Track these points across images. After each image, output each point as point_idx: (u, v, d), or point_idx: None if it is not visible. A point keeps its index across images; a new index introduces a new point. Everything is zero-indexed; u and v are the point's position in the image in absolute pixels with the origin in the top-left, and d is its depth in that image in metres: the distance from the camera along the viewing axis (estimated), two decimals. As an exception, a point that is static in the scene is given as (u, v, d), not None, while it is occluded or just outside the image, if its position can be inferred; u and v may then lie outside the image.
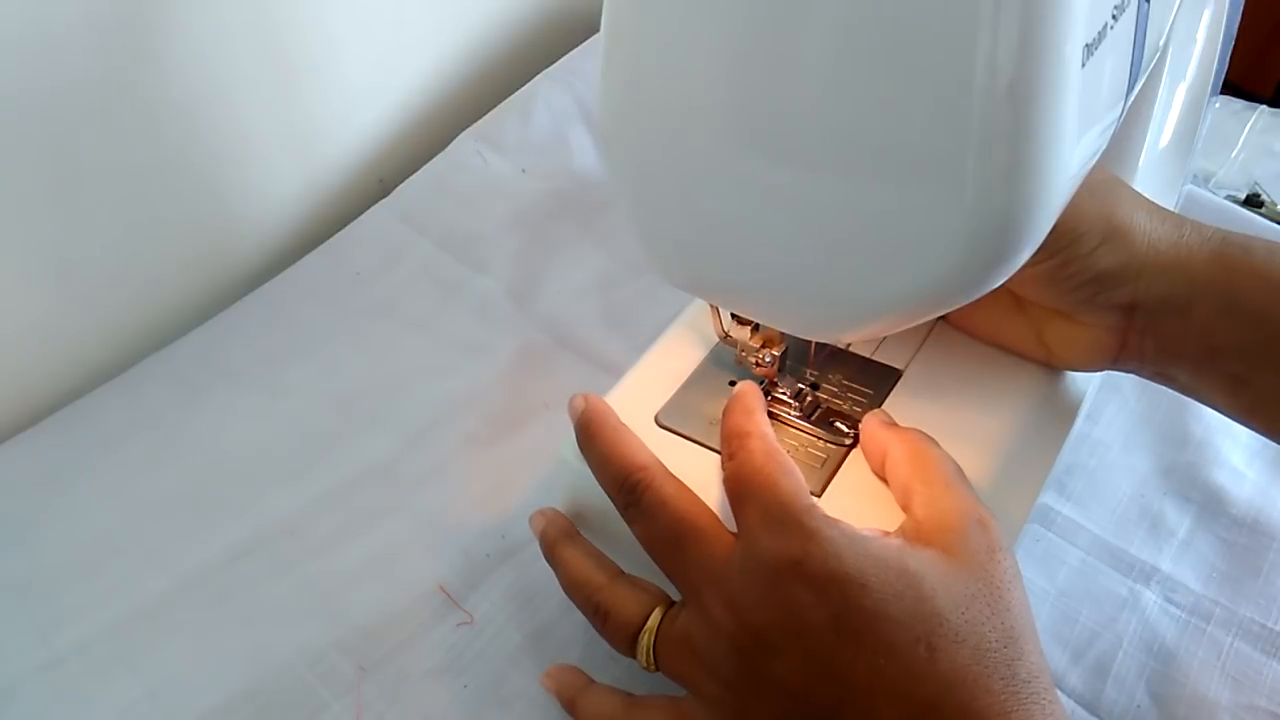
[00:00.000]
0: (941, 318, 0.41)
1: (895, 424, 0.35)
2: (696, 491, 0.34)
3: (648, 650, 0.33)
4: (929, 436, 0.35)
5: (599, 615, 0.34)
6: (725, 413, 0.35)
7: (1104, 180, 0.36)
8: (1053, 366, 0.40)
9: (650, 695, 0.34)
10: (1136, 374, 0.38)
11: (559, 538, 0.37)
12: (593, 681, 0.36)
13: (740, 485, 0.32)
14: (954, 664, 0.28)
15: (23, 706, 0.39)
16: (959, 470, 0.33)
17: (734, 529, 0.32)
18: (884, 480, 0.35)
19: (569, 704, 0.36)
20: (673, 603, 0.33)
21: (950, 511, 0.31)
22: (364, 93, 0.61)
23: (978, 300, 0.38)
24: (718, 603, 0.30)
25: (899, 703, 0.28)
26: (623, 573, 0.35)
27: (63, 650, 0.40)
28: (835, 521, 0.30)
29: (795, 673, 0.29)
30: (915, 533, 0.31)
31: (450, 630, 0.41)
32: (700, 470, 0.35)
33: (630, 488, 0.33)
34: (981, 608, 0.29)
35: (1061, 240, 0.34)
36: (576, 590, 0.35)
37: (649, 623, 0.33)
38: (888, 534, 0.31)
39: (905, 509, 0.33)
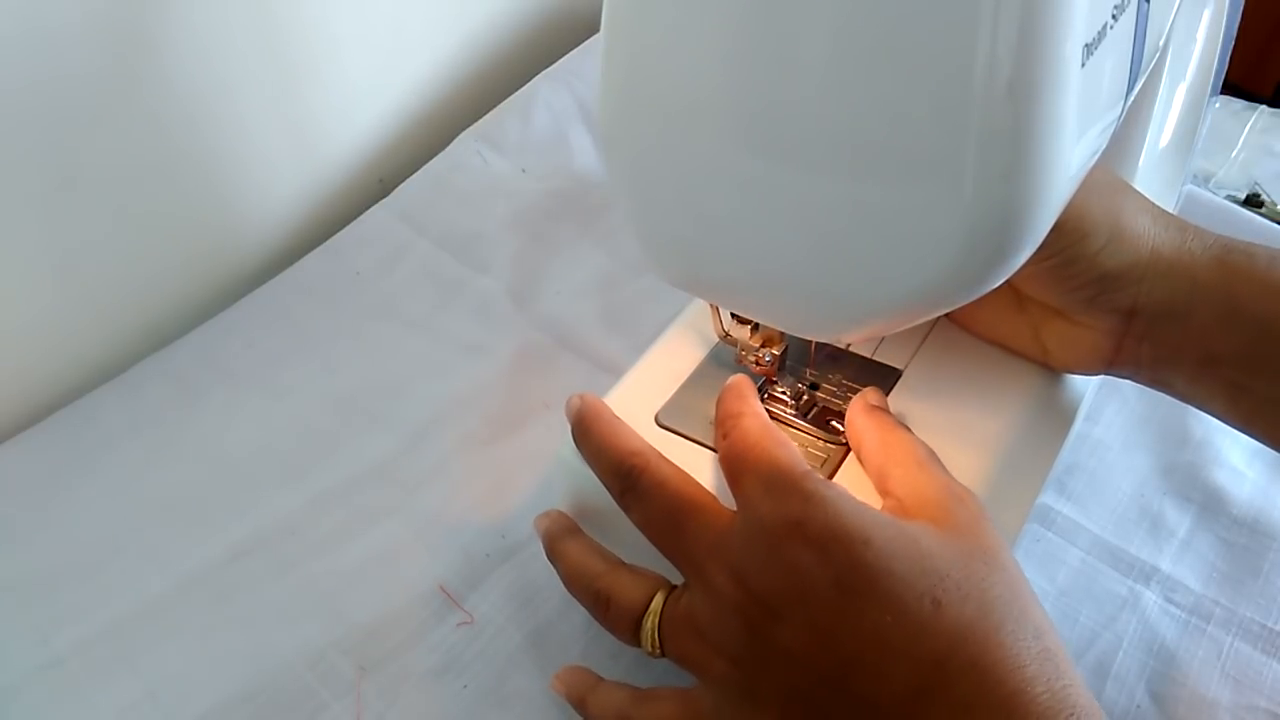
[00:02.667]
0: (943, 314, 0.41)
1: (877, 408, 0.35)
2: None
3: (652, 634, 0.32)
4: (899, 422, 0.35)
5: (600, 603, 0.34)
6: (719, 401, 0.35)
7: (1111, 182, 0.36)
8: (1048, 367, 0.40)
9: (658, 687, 0.34)
10: (1132, 379, 0.38)
11: (560, 534, 0.37)
12: (602, 680, 0.36)
13: (736, 460, 0.32)
14: (960, 619, 0.28)
15: (23, 706, 0.39)
16: (930, 452, 0.34)
17: (732, 508, 0.32)
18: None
19: (579, 703, 0.36)
20: (674, 586, 0.33)
21: (927, 488, 0.32)
22: (364, 93, 0.61)
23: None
24: (721, 574, 0.30)
25: (907, 660, 0.28)
26: (623, 562, 0.35)
27: (63, 650, 0.40)
28: (833, 484, 0.30)
29: (802, 638, 0.29)
30: (900, 509, 0.32)
31: (450, 630, 0.41)
32: (700, 469, 0.35)
33: (626, 473, 0.33)
34: (979, 565, 0.29)
35: (1068, 238, 0.34)
36: (577, 581, 0.35)
37: (652, 606, 0.33)
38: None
39: (883, 493, 0.34)
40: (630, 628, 0.33)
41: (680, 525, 0.32)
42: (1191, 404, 0.37)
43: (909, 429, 0.35)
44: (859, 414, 0.35)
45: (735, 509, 0.32)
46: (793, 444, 0.32)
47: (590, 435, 0.35)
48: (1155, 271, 0.35)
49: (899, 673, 0.28)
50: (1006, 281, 0.37)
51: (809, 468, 0.31)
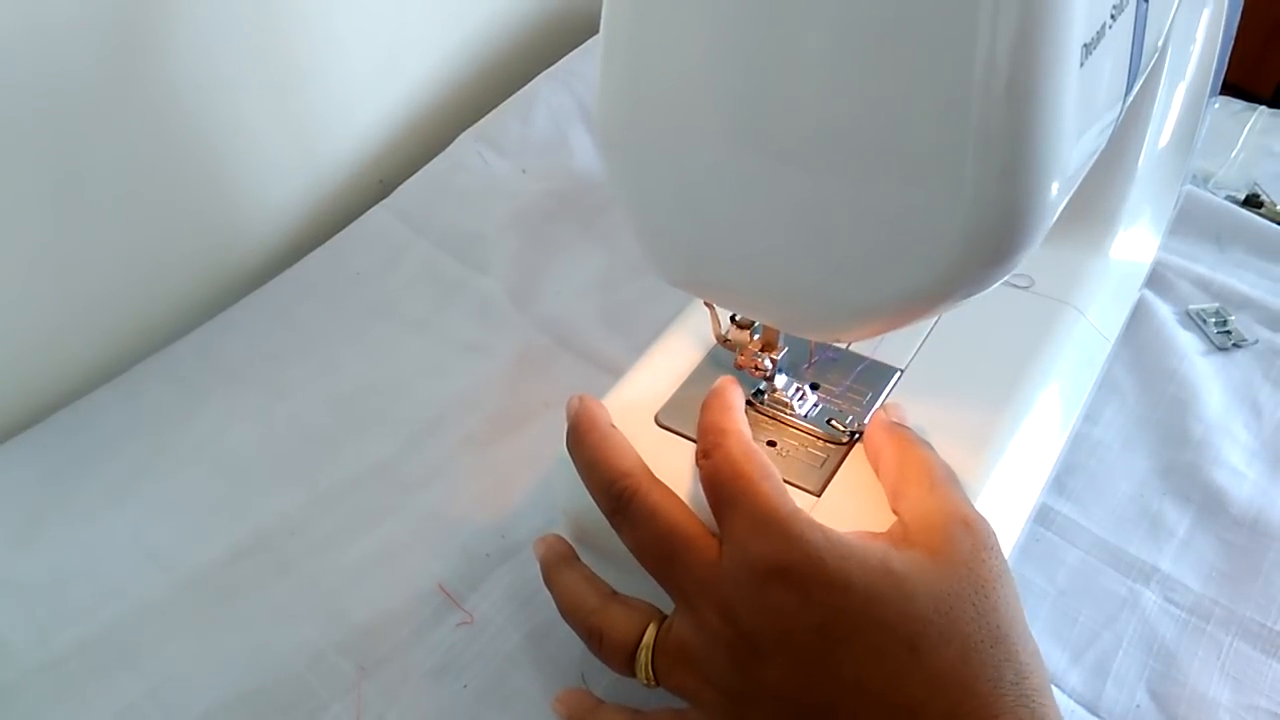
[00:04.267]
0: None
1: (899, 425, 0.35)
2: (693, 491, 0.34)
3: (646, 667, 0.33)
4: (920, 438, 0.35)
5: (594, 638, 0.34)
6: (703, 408, 0.35)
7: None
8: None
9: (654, 709, 0.34)
10: None
11: (556, 563, 0.37)
12: (602, 702, 0.36)
13: (721, 489, 0.32)
14: (939, 666, 0.28)
15: (23, 706, 0.39)
16: (949, 471, 0.33)
17: (715, 528, 0.32)
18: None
19: None
20: (664, 617, 0.33)
21: (935, 512, 0.32)
22: (364, 93, 0.61)
23: None
24: (709, 609, 0.30)
25: (884, 706, 0.28)
26: (616, 594, 0.35)
27: (63, 650, 0.40)
28: (819, 526, 0.30)
29: (786, 677, 0.29)
30: (902, 535, 0.31)
31: (450, 630, 0.41)
32: (687, 474, 0.35)
33: (616, 495, 0.33)
34: (966, 607, 0.29)
35: None
36: (571, 615, 0.35)
37: (645, 640, 0.33)
38: (875, 537, 0.31)
39: (895, 512, 0.33)
40: (624, 661, 0.33)
41: (670, 557, 0.32)
42: None
43: (929, 446, 0.34)
44: (877, 430, 0.35)
45: (720, 536, 0.32)
46: (777, 474, 0.32)
47: (583, 447, 0.35)
48: None
49: (876, 717, 0.28)
50: None
51: (794, 505, 0.31)
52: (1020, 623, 0.30)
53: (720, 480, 0.32)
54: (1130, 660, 0.40)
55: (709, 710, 0.31)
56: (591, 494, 0.34)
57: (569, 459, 0.37)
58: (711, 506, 0.32)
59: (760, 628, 0.29)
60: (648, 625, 0.33)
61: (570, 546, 0.38)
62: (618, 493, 0.33)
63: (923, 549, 0.30)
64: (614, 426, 0.35)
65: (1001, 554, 0.31)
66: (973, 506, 0.32)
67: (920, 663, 0.28)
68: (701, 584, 0.31)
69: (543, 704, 0.38)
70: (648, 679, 0.33)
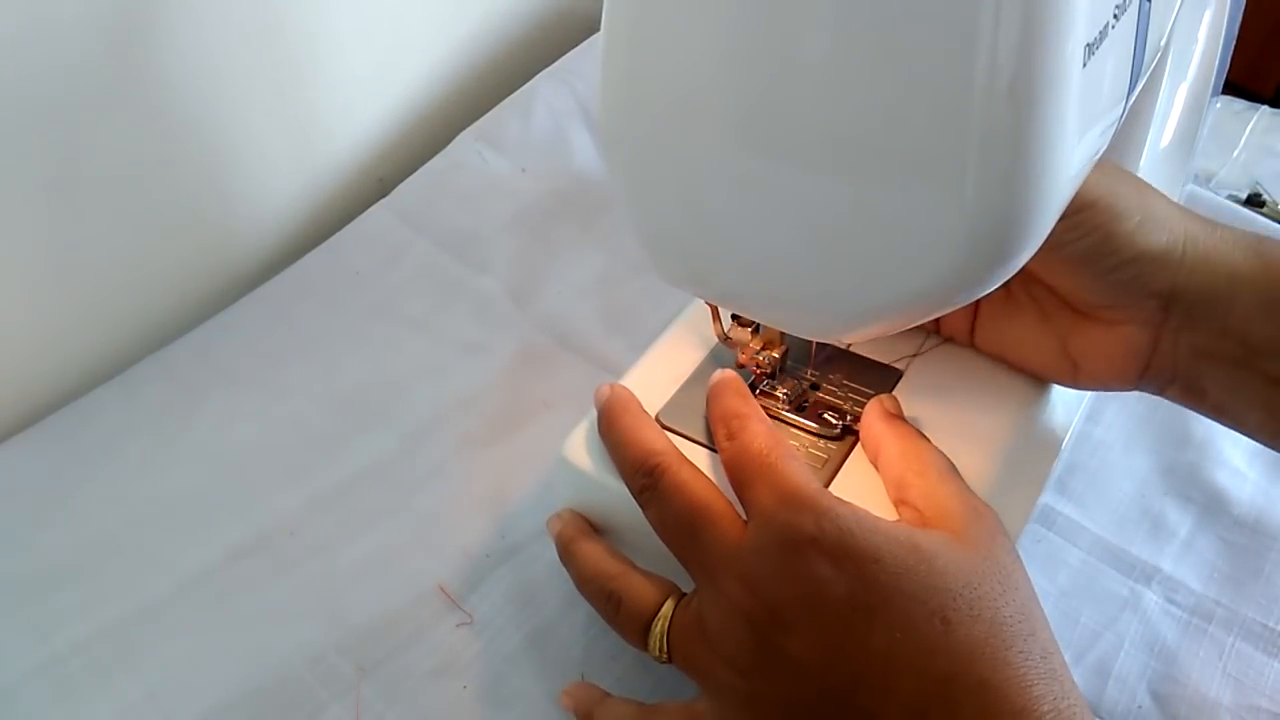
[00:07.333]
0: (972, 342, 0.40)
1: (896, 416, 0.35)
2: None
3: (660, 639, 0.33)
4: (917, 430, 0.35)
5: (612, 603, 0.34)
6: (714, 397, 0.35)
7: (1131, 175, 0.35)
8: (1080, 387, 0.38)
9: (663, 702, 0.34)
10: (1163, 391, 0.36)
11: (576, 535, 0.37)
12: (608, 695, 0.36)
13: (745, 468, 0.32)
14: (970, 638, 0.28)
15: (23, 706, 0.39)
16: (950, 463, 0.34)
17: (738, 506, 0.32)
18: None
19: (586, 718, 0.36)
20: (684, 594, 0.33)
21: (948, 500, 0.32)
22: (364, 92, 0.61)
23: (1002, 316, 0.37)
24: (732, 583, 0.30)
25: (916, 677, 0.28)
26: (636, 566, 0.35)
27: (63, 650, 0.40)
28: (847, 503, 0.30)
29: (811, 649, 0.29)
30: (920, 519, 0.32)
31: (450, 630, 0.41)
32: (702, 469, 0.35)
33: (646, 472, 0.33)
34: (992, 584, 0.29)
35: (1103, 215, 0.32)
36: (590, 582, 0.35)
37: (662, 610, 0.33)
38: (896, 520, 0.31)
39: (900, 502, 0.34)
40: (640, 630, 0.33)
41: (695, 531, 0.32)
42: (1224, 419, 0.35)
43: (927, 438, 0.35)
44: (876, 420, 0.35)
45: (745, 515, 0.32)
46: (801, 457, 0.32)
47: (615, 428, 0.35)
48: (1193, 255, 0.33)
49: (906, 689, 0.28)
50: (1031, 295, 0.37)
51: (821, 484, 0.31)
52: (1039, 605, 0.31)
53: (746, 459, 0.32)
54: (1131, 661, 0.40)
55: (720, 693, 0.31)
56: (621, 473, 0.35)
57: (568, 459, 0.37)
58: (735, 486, 0.32)
59: (787, 598, 0.29)
60: (667, 598, 0.33)
61: (585, 521, 0.38)
62: (649, 469, 0.33)
63: (945, 531, 0.31)
64: (645, 411, 0.36)
65: (1013, 543, 0.32)
66: (979, 497, 0.33)
67: (952, 634, 0.28)
68: (725, 558, 0.31)
69: (543, 704, 0.38)
70: (660, 653, 0.33)
